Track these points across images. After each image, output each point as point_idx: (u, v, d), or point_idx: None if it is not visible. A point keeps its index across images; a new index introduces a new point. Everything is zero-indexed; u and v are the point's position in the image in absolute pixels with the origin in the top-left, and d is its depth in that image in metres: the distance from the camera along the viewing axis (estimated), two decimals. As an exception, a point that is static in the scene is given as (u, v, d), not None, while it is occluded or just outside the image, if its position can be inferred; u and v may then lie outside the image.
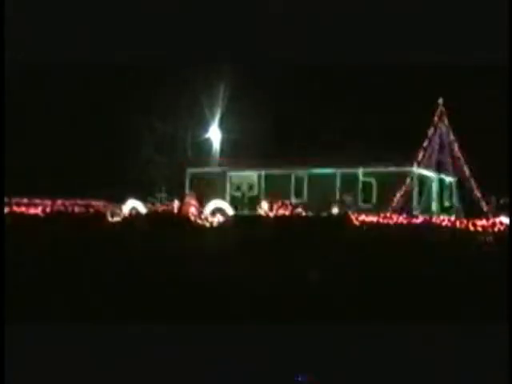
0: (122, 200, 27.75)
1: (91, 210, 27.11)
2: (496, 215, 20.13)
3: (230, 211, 23.81)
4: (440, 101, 25.43)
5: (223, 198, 26.80)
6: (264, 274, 12.29)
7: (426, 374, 5.64)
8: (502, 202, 21.90)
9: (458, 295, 9.51)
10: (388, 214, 22.04)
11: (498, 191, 22.30)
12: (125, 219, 25.71)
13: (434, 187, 25.51)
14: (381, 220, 21.42)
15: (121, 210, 26.76)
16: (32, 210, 27.59)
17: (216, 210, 23.99)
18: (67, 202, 29.43)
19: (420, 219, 20.87)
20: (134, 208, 26.78)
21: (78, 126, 32.48)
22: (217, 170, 29.68)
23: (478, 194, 23.71)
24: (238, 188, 29.73)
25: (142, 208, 26.70)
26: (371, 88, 28.64)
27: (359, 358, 6.02)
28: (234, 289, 10.14)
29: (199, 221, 22.67)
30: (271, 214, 23.79)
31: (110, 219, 25.77)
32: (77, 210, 27.93)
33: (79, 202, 29.44)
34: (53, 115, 32.18)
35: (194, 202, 26.61)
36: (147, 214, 25.30)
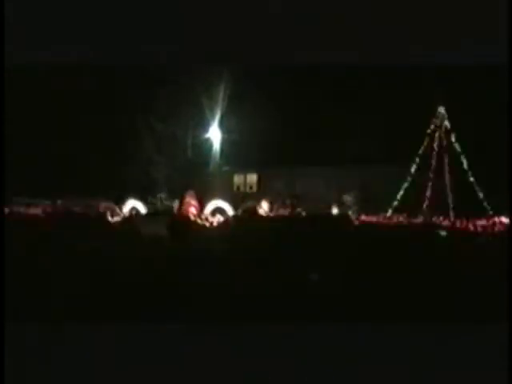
0: (122, 200, 27.76)
1: (91, 210, 27.11)
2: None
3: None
4: (440, 101, 25.45)
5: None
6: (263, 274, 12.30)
7: (425, 373, 5.64)
8: None
9: (457, 294, 9.52)
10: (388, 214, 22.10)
11: (498, 191, 22.30)
12: (124, 219, 25.73)
13: None
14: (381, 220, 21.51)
15: (120, 209, 26.78)
16: (32, 211, 27.61)
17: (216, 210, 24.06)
18: (67, 203, 29.44)
19: (420, 219, 20.93)
20: (134, 208, 26.78)
21: (78, 126, 32.48)
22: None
23: (480, 195, 23.68)
24: None
25: (142, 208, 26.68)
26: (371, 88, 28.63)
27: (360, 358, 6.02)
28: (234, 289, 10.15)
29: (199, 220, 22.74)
30: (271, 214, 23.85)
31: (109, 219, 25.78)
32: (77, 210, 27.95)
33: (79, 202, 29.44)
34: (53, 115, 32.17)
35: (193, 201, 26.65)
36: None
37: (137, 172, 31.83)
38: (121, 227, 24.57)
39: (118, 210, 26.61)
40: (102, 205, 27.20)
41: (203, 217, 23.35)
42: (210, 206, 24.29)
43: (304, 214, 23.87)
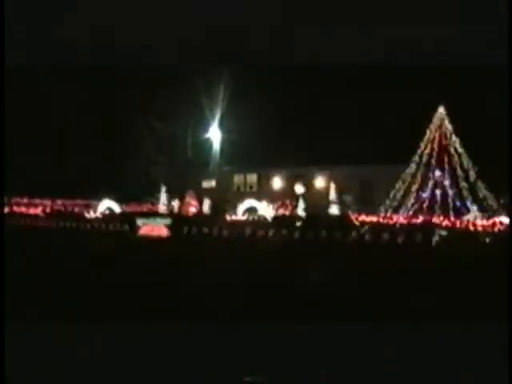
0: (122, 200, 27.75)
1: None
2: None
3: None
4: (440, 101, 25.43)
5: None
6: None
7: (425, 373, 5.64)
8: (501, 202, 21.92)
9: (458, 294, 9.52)
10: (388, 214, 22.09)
11: (497, 191, 22.29)
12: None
13: None
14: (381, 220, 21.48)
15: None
16: (32, 210, 27.61)
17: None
18: (67, 202, 29.44)
19: (420, 219, 20.89)
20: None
21: (78, 126, 32.47)
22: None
23: (480, 194, 23.63)
24: None
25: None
26: (371, 88, 28.63)
27: (360, 357, 6.02)
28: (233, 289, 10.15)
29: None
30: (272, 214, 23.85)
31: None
32: (77, 210, 27.95)
33: (79, 202, 29.44)
34: (53, 115, 32.17)
35: (193, 201, 26.66)
36: None
37: (137, 172, 31.81)
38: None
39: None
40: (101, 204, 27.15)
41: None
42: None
43: (304, 213, 23.84)
